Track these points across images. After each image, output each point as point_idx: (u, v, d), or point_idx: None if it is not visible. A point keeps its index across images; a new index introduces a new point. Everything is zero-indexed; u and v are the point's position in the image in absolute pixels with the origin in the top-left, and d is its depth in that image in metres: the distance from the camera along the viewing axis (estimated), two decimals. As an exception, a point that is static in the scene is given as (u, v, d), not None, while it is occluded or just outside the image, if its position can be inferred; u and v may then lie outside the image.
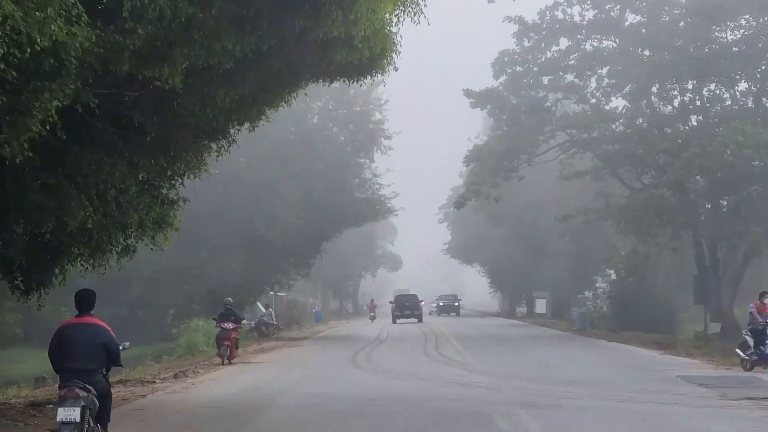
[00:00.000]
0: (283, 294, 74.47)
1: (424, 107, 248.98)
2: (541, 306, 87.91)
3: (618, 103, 51.58)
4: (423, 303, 79.98)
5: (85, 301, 11.83)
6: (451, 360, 31.71)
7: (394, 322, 71.29)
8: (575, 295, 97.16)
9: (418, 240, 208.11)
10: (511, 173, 51.42)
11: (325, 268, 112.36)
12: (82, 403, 11.35)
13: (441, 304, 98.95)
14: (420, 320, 71.64)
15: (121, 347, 12.03)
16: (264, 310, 58.09)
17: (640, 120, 50.26)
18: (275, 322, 56.82)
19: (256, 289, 50.36)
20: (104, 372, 11.86)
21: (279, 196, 48.90)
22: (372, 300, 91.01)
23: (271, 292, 59.63)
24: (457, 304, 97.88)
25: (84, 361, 11.50)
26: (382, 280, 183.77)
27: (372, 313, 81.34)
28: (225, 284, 48.76)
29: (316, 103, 52.46)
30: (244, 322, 57.88)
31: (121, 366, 12.37)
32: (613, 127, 51.37)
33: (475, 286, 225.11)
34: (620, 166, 51.44)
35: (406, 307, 73.41)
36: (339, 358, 33.14)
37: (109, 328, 11.86)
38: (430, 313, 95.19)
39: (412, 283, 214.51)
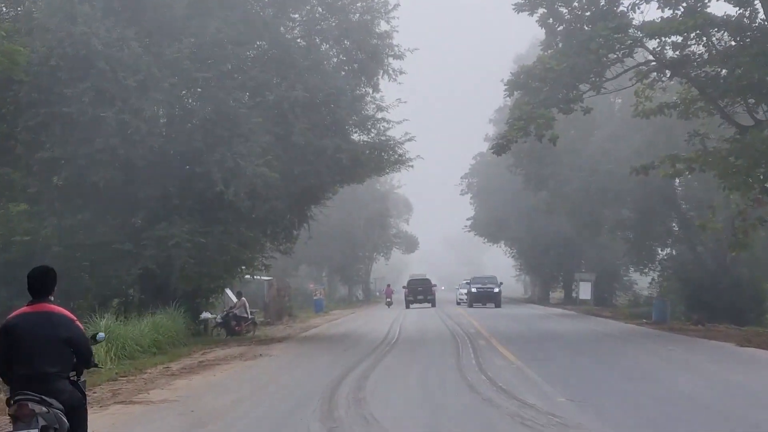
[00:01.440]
0: (267, 278, 59.58)
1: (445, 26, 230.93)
2: (585, 290, 72.74)
3: (723, 6, 36.12)
4: (436, 287, 77.58)
5: (39, 283, 8.92)
6: (514, 394, 16.48)
7: (407, 307, 70.98)
8: (621, 278, 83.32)
9: (435, 220, 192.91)
10: (573, 104, 36.14)
11: (329, 248, 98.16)
12: (41, 423, 8.65)
13: (475, 290, 69.85)
14: (433, 305, 71.14)
15: (93, 341, 9.36)
16: (235, 300, 43.28)
17: (755, 28, 35.02)
18: (250, 316, 42.04)
19: (212, 271, 35.26)
20: (72, 377, 8.93)
21: (243, 137, 33.91)
22: (388, 285, 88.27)
23: (247, 276, 44.51)
24: (497, 290, 69.56)
25: (41, 363, 8.72)
26: (397, 264, 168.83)
27: (388, 299, 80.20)
28: (168, 265, 33.82)
29: (297, 11, 37.09)
30: (207, 316, 43.01)
31: (96, 366, 9.33)
32: (716, 39, 36.09)
33: (496, 269, 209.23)
34: (724, 96, 36.12)
35: (419, 291, 73.08)
36: (303, 395, 17.68)
37: (73, 318, 8.87)
38: (458, 303, 78.78)
39: (429, 266, 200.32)
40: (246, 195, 34.38)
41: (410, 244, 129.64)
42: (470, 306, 68.02)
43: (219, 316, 42.15)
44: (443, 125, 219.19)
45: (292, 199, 37.20)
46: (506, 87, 37.26)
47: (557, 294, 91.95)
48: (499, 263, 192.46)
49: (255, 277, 47.04)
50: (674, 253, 57.59)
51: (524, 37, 79.56)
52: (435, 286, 77.50)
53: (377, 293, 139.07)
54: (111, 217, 35.06)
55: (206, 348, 32.70)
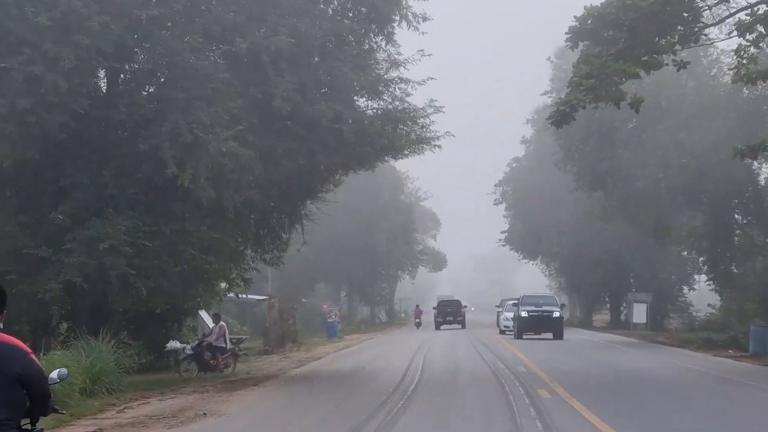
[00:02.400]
0: (265, 297, 49.86)
1: None
2: (639, 313, 62.29)
3: None
4: (466, 308, 76.99)
5: None
6: None
7: (437, 328, 69.64)
8: (675, 298, 73.09)
9: (463, 237, 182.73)
10: (662, 56, 25.85)
11: (348, 264, 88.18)
12: None
13: (526, 314, 48.01)
14: (463, 326, 69.65)
15: (52, 380, 7.41)
16: (211, 325, 33.41)
17: None
18: (230, 345, 32.18)
19: (163, 286, 25.03)
20: (24, 426, 6.95)
21: (205, 100, 24.04)
22: (417, 306, 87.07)
23: (231, 294, 34.44)
24: (558, 314, 48.42)
25: None
26: (423, 284, 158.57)
27: (417, 320, 79.31)
28: (100, 278, 23.94)
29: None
30: (175, 346, 33.01)
31: (57, 411, 7.32)
32: None
33: (529, 290, 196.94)
34: None
35: (449, 313, 72.03)
36: None
37: (27, 350, 6.74)
38: (502, 332, 58.36)
39: (456, 286, 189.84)
40: (209, 181, 24.41)
41: (438, 262, 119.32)
42: (519, 337, 47.53)
43: (188, 347, 32.32)
44: (471, 135, 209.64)
45: (277, 189, 27.08)
46: (568, 38, 26.94)
47: (602, 317, 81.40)
48: (532, 283, 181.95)
49: (242, 296, 36.91)
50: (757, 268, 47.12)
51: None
52: (465, 307, 76.07)
53: (402, 314, 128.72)
54: (20, 212, 25.09)
55: (149, 393, 22.87)
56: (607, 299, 76.06)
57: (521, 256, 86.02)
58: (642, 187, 43.24)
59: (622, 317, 72.67)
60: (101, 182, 24.77)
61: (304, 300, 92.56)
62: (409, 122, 26.66)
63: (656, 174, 42.34)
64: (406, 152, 27.99)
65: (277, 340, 49.31)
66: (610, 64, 24.94)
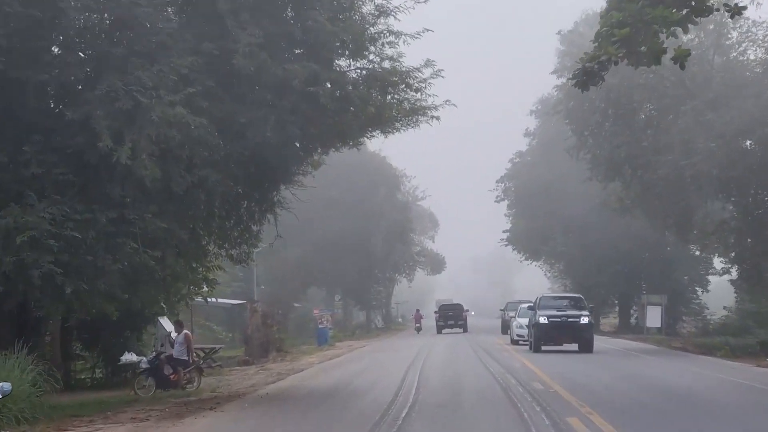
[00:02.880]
0: (242, 302, 45.04)
1: None
2: (654, 317, 57.46)
3: None
4: (467, 312, 76.30)
5: None
6: None
7: (439, 332, 69.59)
8: (689, 300, 68.52)
9: (462, 240, 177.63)
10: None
11: (342, 266, 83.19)
12: None
13: (545, 320, 37.32)
14: (465, 330, 69.23)
15: None
16: (174, 334, 28.58)
17: None
18: (192, 357, 27.54)
19: (99, 286, 20.10)
20: None
21: (146, 57, 19.21)
22: (417, 310, 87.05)
23: (200, 299, 29.52)
24: (585, 320, 37.35)
25: None
26: (421, 287, 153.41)
27: (417, 324, 78.92)
28: (17, 278, 19.14)
29: None
30: (131, 359, 28.25)
31: None
32: None
33: (530, 293, 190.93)
34: None
35: (450, 317, 71.79)
36: None
37: None
38: (515, 342, 45.01)
39: (456, 290, 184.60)
40: (153, 157, 19.55)
41: (436, 265, 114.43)
42: (536, 350, 37.29)
43: (145, 360, 27.58)
44: (470, 132, 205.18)
45: (243, 169, 22.16)
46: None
47: (609, 320, 76.48)
48: (534, 286, 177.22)
49: (211, 300, 31.96)
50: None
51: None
52: (467, 311, 75.50)
53: (399, 319, 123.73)
54: None
55: (75, 421, 18.33)
56: (615, 302, 71.22)
57: (524, 257, 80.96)
58: (664, 176, 38.33)
59: (632, 321, 67.86)
60: (21, 159, 19.89)
61: (297, 305, 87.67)
62: (401, 86, 21.69)
63: (680, 161, 37.44)
64: (397, 125, 23.00)
65: (260, 348, 44.56)
66: (649, 9, 20.06)
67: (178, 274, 23.16)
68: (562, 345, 37.59)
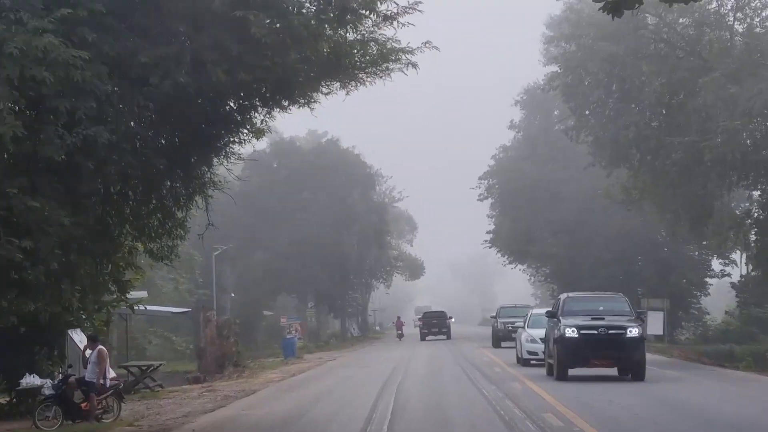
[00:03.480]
0: (187, 310, 39.28)
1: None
2: (655, 323, 51.89)
3: None
4: (452, 320, 74.61)
5: None
6: None
7: (423, 339, 68.33)
8: (688, 305, 63.45)
9: (442, 245, 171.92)
10: None
11: (313, 270, 77.35)
12: None
13: (574, 332, 25.55)
14: (448, 337, 68.39)
15: None
16: (89, 352, 22.54)
17: None
18: (105, 380, 21.58)
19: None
20: None
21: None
22: (398, 317, 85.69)
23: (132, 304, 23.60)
24: (635, 332, 25.68)
25: None
26: (400, 294, 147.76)
27: (399, 331, 77.20)
28: None
29: None
30: (32, 382, 21.84)
31: None
32: None
33: (509, 297, 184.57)
34: None
35: (434, 324, 70.57)
36: None
37: None
38: (522, 361, 33.45)
39: (434, 296, 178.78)
40: (13, 107, 13.64)
41: (414, 270, 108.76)
42: (560, 377, 25.91)
43: (49, 384, 21.73)
44: (449, 134, 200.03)
45: (151, 131, 16.33)
46: None
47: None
48: (516, 293, 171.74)
49: (140, 307, 25.93)
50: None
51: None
52: (450, 318, 73.39)
53: (377, 327, 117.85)
54: None
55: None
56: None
57: (508, 260, 75.12)
58: (679, 160, 32.65)
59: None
60: None
61: (269, 313, 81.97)
62: (366, 15, 15.84)
63: (697, 142, 31.79)
64: (362, 75, 17.09)
65: (215, 364, 38.75)
66: None
67: (73, 274, 17.24)
68: (597, 367, 26.22)
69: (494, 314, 57.65)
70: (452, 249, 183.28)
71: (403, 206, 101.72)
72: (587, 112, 34.74)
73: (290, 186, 78.49)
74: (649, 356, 32.40)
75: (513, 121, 62.82)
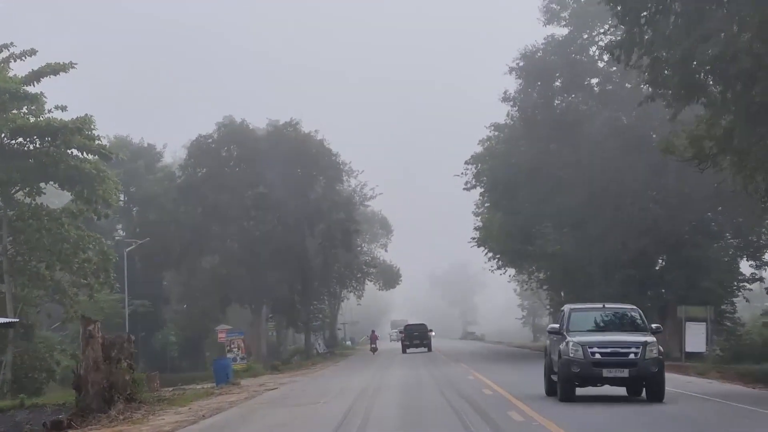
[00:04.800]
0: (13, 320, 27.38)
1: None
2: (696, 338, 40.39)
3: None
4: (433, 333, 75.60)
5: None
6: None
7: (404, 351, 68.20)
8: (722, 314, 52.52)
9: (419, 254, 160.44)
10: None
11: (270, 279, 65.31)
12: None
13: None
14: (429, 349, 68.66)
15: None
16: None
17: None
18: None
19: None
20: None
21: None
22: (373, 331, 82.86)
23: None
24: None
25: None
26: (373, 306, 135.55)
27: (373, 345, 76.57)
28: None
29: None
30: None
31: None
32: None
33: (491, 312, 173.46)
34: None
35: (415, 336, 70.68)
36: None
37: None
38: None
39: (412, 309, 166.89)
40: None
41: (389, 278, 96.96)
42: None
43: None
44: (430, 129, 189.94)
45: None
46: None
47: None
48: (496, 304, 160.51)
49: None
50: None
51: None
52: (431, 331, 73.93)
53: (347, 342, 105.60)
54: None
55: None
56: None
57: (497, 264, 62.94)
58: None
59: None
60: None
61: (218, 328, 69.34)
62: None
63: None
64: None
65: (99, 398, 26.87)
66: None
67: None
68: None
69: (556, 325, 29.35)
70: (430, 257, 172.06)
71: (377, 207, 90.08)
72: (642, 22, 22.57)
73: (242, 178, 66.54)
74: (693, 380, 28.12)
75: (507, 92, 50.73)
